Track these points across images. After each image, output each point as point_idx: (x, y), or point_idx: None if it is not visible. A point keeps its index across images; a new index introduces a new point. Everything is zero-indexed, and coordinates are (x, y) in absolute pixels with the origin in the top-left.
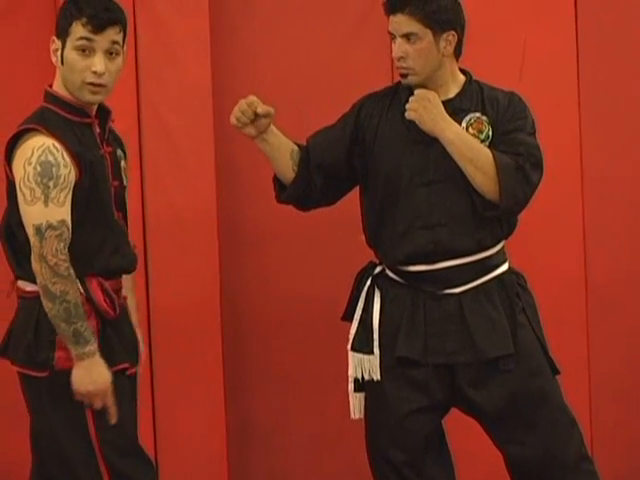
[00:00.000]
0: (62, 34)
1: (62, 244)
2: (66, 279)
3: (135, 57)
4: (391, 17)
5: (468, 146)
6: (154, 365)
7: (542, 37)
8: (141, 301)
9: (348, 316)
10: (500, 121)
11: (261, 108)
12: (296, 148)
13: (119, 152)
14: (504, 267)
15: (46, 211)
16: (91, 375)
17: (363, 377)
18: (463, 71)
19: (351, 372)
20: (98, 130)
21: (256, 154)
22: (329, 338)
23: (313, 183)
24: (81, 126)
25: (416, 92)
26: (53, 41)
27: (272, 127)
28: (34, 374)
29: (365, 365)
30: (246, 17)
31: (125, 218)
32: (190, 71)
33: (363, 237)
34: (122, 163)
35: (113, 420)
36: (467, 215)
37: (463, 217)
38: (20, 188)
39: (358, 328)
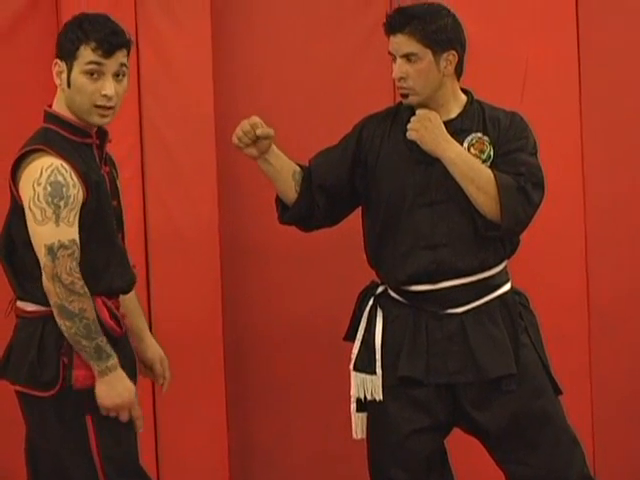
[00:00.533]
0: (68, 57)
1: (74, 262)
2: (83, 296)
3: (137, 75)
4: (391, 37)
5: (469, 166)
6: (156, 385)
7: (544, 56)
8: None
9: (350, 336)
10: (501, 141)
11: (260, 130)
12: (298, 169)
13: (113, 172)
14: (506, 287)
15: (57, 231)
16: (116, 388)
17: (365, 397)
18: (465, 91)
19: (354, 392)
20: (97, 151)
21: (258, 175)
22: (331, 355)
23: (315, 204)
24: (83, 147)
25: (418, 112)
26: (56, 63)
27: (274, 148)
28: (38, 394)
29: (367, 385)
30: (248, 36)
31: (124, 238)
32: (192, 89)
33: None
34: (117, 183)
35: (140, 430)
36: (469, 235)
37: (465, 237)
38: (30, 208)
39: (360, 348)
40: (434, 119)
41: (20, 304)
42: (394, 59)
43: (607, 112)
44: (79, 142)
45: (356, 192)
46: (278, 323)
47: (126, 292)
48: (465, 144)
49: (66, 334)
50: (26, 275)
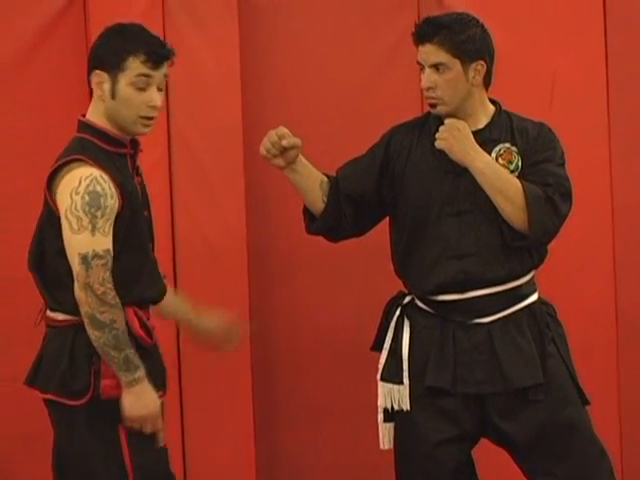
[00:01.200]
0: (112, 68)
1: (108, 273)
2: (114, 307)
3: (166, 89)
4: (420, 47)
5: (498, 176)
6: (184, 396)
7: (572, 67)
8: (170, 331)
9: (377, 346)
10: (529, 151)
11: (287, 141)
12: (325, 179)
13: (144, 182)
14: (534, 297)
15: (93, 240)
16: (142, 400)
17: (393, 407)
18: (493, 101)
19: (381, 402)
20: (130, 160)
21: (286, 184)
22: (359, 369)
23: (343, 214)
24: (117, 157)
25: (446, 122)
26: (98, 74)
27: (301, 158)
28: (69, 403)
29: (395, 395)
30: (276, 46)
31: (154, 248)
32: (220, 102)
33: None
34: (148, 191)
35: (161, 443)
36: (497, 245)
37: (493, 247)
38: (66, 216)
39: (387, 358)
40: (463, 128)
41: (51, 314)
42: (422, 69)
43: (635, 122)
44: (113, 152)
45: (383, 202)
46: (305, 332)
47: (156, 302)
48: (493, 154)
49: (95, 344)
50: (58, 285)
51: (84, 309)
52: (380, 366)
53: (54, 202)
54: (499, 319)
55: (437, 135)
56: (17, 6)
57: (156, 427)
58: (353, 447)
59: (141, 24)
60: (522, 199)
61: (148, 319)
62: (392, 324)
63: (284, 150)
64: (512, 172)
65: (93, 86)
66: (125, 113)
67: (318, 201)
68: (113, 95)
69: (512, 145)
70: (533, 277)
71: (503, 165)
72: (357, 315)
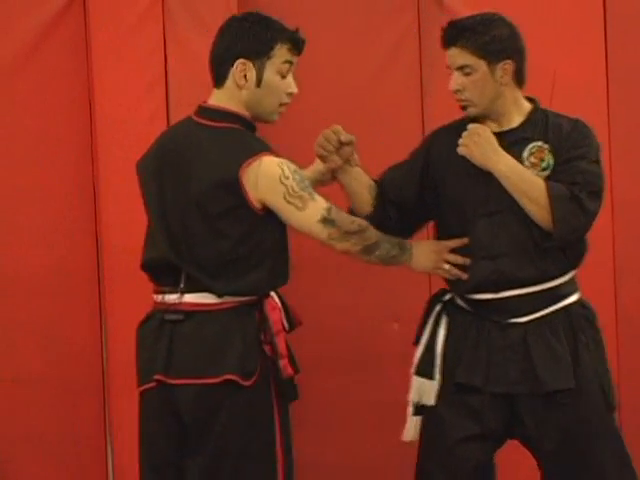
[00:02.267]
0: (258, 56)
1: (344, 212)
2: (369, 228)
3: (166, 87)
4: (447, 51)
5: (521, 178)
6: None
7: (572, 67)
8: None
9: (417, 341)
10: (562, 149)
11: (344, 136)
12: (374, 184)
13: None
14: (572, 298)
15: (317, 204)
16: (425, 250)
17: (421, 401)
18: (530, 99)
19: (411, 396)
20: None
21: None
22: (360, 372)
23: (388, 218)
24: None
25: (468, 127)
26: (242, 63)
27: (354, 158)
28: (244, 383)
29: (425, 389)
30: None
31: None
32: None
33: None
34: None
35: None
36: (529, 245)
37: (525, 247)
38: (288, 202)
39: (423, 353)
40: (483, 133)
41: (204, 300)
42: (451, 72)
43: (635, 121)
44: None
45: (426, 205)
46: (308, 334)
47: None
48: (525, 152)
49: (378, 261)
50: (233, 270)
51: (355, 249)
52: (415, 360)
53: (249, 198)
54: (534, 320)
55: (459, 142)
56: (17, 6)
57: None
58: (355, 448)
59: (267, 14)
60: (546, 199)
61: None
62: (431, 320)
63: (339, 147)
64: (544, 170)
65: (237, 76)
66: (269, 101)
67: (367, 206)
68: (259, 83)
69: (545, 143)
70: (572, 278)
71: (534, 163)
72: (360, 317)
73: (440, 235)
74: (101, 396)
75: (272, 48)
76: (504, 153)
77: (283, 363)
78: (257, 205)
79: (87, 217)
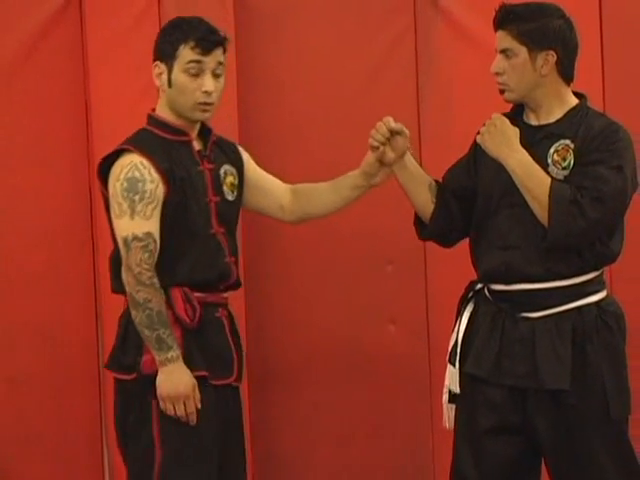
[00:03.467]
0: (167, 58)
1: (147, 254)
2: (149, 287)
3: None
4: (496, 33)
5: (528, 175)
6: None
7: None
8: None
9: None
10: (585, 150)
11: (395, 124)
12: (434, 183)
13: (225, 168)
14: (590, 299)
15: (132, 224)
16: (173, 380)
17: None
18: (580, 96)
19: (446, 383)
20: (198, 148)
21: None
22: (356, 378)
23: (452, 214)
24: (177, 145)
25: (492, 116)
26: (156, 65)
27: (410, 156)
28: (122, 377)
29: (453, 377)
30: (272, 52)
31: (231, 232)
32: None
33: None
34: (229, 179)
35: (191, 422)
36: (539, 241)
37: (536, 242)
38: (111, 204)
39: (454, 340)
40: (500, 125)
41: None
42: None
43: (631, 121)
44: (174, 141)
45: None
46: (302, 338)
47: (215, 285)
48: (552, 149)
49: (135, 322)
50: (118, 268)
51: (127, 289)
52: (449, 348)
53: (107, 193)
54: (545, 317)
55: (480, 129)
56: (13, 9)
57: (187, 409)
58: (349, 450)
59: (200, 17)
60: (547, 199)
61: (220, 304)
62: (463, 309)
63: (390, 137)
64: (564, 169)
65: (154, 78)
66: (182, 100)
67: (428, 203)
68: (170, 83)
69: (572, 142)
70: (595, 279)
71: (557, 161)
72: (356, 319)
73: (472, 222)
74: (97, 397)
75: (177, 49)
76: (518, 147)
77: (145, 358)
78: None
79: (83, 219)
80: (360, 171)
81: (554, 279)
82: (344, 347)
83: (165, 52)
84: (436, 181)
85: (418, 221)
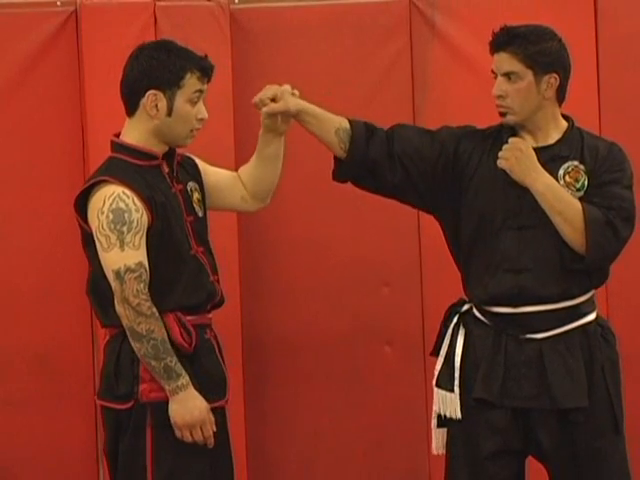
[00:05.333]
0: (170, 86)
1: (142, 285)
2: (150, 318)
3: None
4: (494, 55)
5: (558, 198)
6: None
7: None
8: None
9: (436, 352)
10: (597, 172)
11: (268, 92)
12: (345, 126)
13: (190, 185)
14: (590, 317)
15: (123, 255)
16: (187, 407)
17: (445, 414)
18: (566, 117)
19: (435, 408)
20: (167, 170)
21: (275, 201)
22: (352, 399)
23: (393, 170)
24: (149, 170)
25: (510, 141)
26: (154, 94)
27: (307, 108)
28: (116, 407)
29: (447, 402)
30: (268, 73)
31: (209, 250)
32: (213, 126)
33: None
34: (195, 196)
35: (210, 446)
36: (554, 263)
37: (550, 264)
38: (97, 237)
39: (443, 365)
40: (525, 149)
41: (108, 331)
42: (495, 77)
43: (626, 125)
44: (146, 166)
45: (434, 191)
46: (299, 345)
47: (204, 307)
48: (561, 171)
49: (138, 355)
50: (105, 301)
51: (124, 322)
52: (436, 372)
53: (87, 225)
54: (552, 336)
55: (500, 154)
56: (10, 30)
57: (205, 433)
58: (344, 468)
59: (175, 41)
60: (581, 222)
61: (207, 325)
62: (449, 331)
63: (273, 100)
64: (578, 190)
65: (148, 106)
66: (180, 129)
67: (335, 148)
68: (169, 112)
69: (580, 163)
70: (592, 297)
71: (569, 183)
72: (352, 339)
73: (458, 243)
74: (93, 420)
75: (182, 78)
76: (543, 171)
77: (142, 387)
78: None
79: (80, 238)
80: (262, 126)
81: (566, 299)
82: (340, 368)
83: (166, 80)
84: (353, 123)
85: (336, 162)
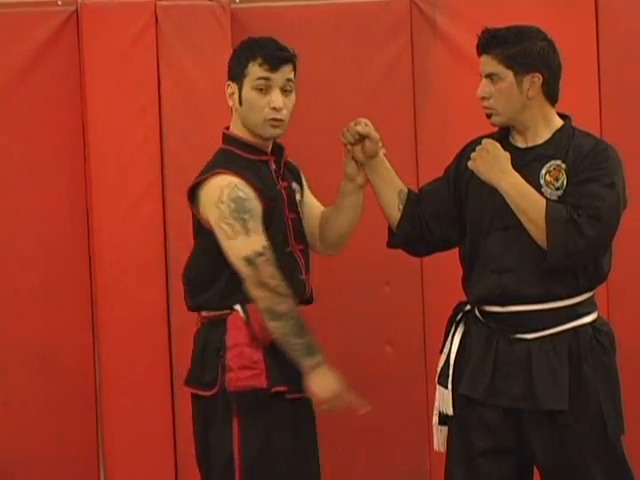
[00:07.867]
0: (238, 77)
1: (273, 267)
2: (288, 297)
3: (159, 111)
4: (480, 58)
5: (522, 196)
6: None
7: (565, 71)
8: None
9: (442, 349)
10: (577, 169)
11: (362, 127)
12: (405, 189)
13: (294, 186)
14: (586, 319)
15: (250, 241)
16: (329, 379)
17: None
18: (564, 117)
19: (436, 405)
20: (274, 167)
21: None
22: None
23: (421, 225)
24: (259, 164)
25: (482, 142)
26: (228, 85)
27: (384, 160)
28: (202, 394)
29: (443, 398)
30: None
31: (306, 249)
32: (213, 125)
33: None
34: (297, 196)
35: (364, 409)
36: (536, 263)
37: (532, 264)
38: (219, 226)
39: (444, 362)
40: (492, 150)
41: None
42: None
43: (626, 126)
44: (255, 160)
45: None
46: None
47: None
48: (543, 170)
49: (277, 335)
50: (199, 285)
51: (262, 304)
52: (438, 369)
53: (200, 215)
54: (541, 337)
55: (471, 155)
56: (10, 29)
57: (347, 402)
58: (347, 470)
59: (271, 36)
60: (543, 220)
61: None
62: (452, 329)
63: (359, 138)
64: (557, 189)
65: (227, 98)
66: (252, 117)
67: (394, 208)
68: (240, 102)
69: (563, 162)
70: (588, 300)
71: (549, 182)
72: (353, 340)
73: (463, 244)
74: (94, 419)
75: (246, 67)
76: (511, 171)
77: (229, 376)
78: (205, 222)
79: (80, 239)
80: (344, 176)
81: (550, 300)
82: (341, 368)
83: (235, 71)
84: (410, 190)
85: (389, 231)
